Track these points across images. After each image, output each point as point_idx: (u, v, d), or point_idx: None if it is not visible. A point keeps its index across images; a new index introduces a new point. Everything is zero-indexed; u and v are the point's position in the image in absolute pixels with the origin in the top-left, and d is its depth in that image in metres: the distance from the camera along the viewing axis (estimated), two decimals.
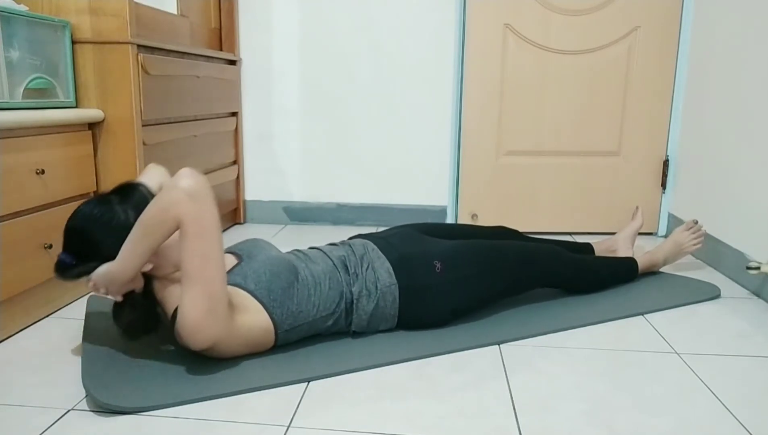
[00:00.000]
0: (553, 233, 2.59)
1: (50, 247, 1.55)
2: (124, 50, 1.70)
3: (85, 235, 1.23)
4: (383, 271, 1.42)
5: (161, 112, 1.89)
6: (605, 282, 1.80)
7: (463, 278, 1.47)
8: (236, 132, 2.62)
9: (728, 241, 2.00)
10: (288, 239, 2.47)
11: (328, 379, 1.26)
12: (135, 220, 1.20)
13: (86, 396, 1.18)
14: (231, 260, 1.37)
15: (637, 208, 2.09)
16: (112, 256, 1.20)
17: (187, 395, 1.16)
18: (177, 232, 1.20)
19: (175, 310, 1.23)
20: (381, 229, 2.64)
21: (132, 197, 1.28)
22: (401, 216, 2.68)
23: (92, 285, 1.23)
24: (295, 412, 1.13)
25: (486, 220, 2.62)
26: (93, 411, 1.13)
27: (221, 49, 2.56)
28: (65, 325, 1.54)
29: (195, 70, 2.13)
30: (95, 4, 1.69)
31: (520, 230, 2.36)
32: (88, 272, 1.23)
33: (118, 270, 1.19)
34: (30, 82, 1.55)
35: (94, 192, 1.74)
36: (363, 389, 1.22)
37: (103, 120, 1.73)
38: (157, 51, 1.88)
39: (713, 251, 2.09)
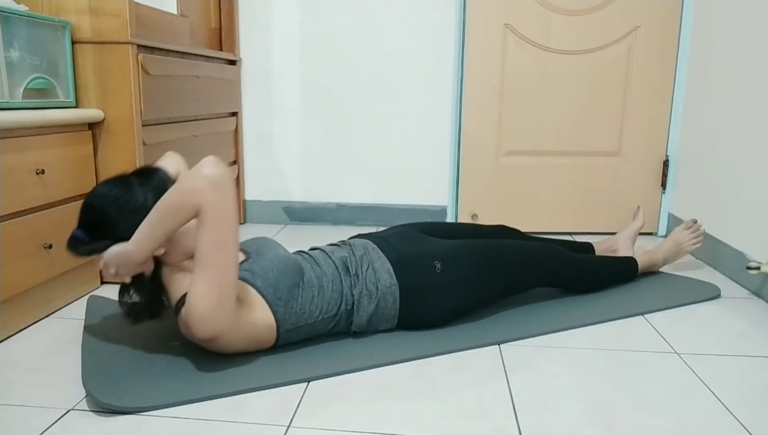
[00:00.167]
0: (553, 233, 2.59)
1: (50, 247, 1.55)
2: (124, 50, 1.70)
3: (102, 214, 1.23)
4: (383, 271, 1.42)
5: (161, 112, 1.89)
6: (605, 281, 1.80)
7: (463, 278, 1.47)
8: (236, 132, 2.62)
9: (728, 241, 2.00)
10: (288, 239, 2.47)
11: (328, 379, 1.26)
12: (153, 203, 1.20)
13: (86, 396, 1.18)
14: (239, 256, 1.38)
15: (638, 208, 2.09)
16: (126, 237, 1.21)
17: (187, 395, 1.16)
18: (192, 221, 1.21)
19: (180, 298, 1.24)
20: (381, 229, 2.64)
21: (152, 181, 1.29)
22: (401, 216, 2.68)
23: (103, 264, 1.24)
24: (295, 412, 1.13)
25: (486, 220, 2.62)
26: (93, 411, 1.13)
27: (221, 49, 2.56)
28: (65, 325, 1.54)
29: (195, 70, 2.13)
30: (95, 4, 1.69)
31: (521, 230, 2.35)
32: (100, 250, 1.23)
33: (132, 251, 1.20)
34: (30, 82, 1.55)
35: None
36: (363, 389, 1.22)
37: (103, 120, 1.73)
38: (157, 51, 1.88)
39: (713, 251, 2.09)
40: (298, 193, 2.73)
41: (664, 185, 2.56)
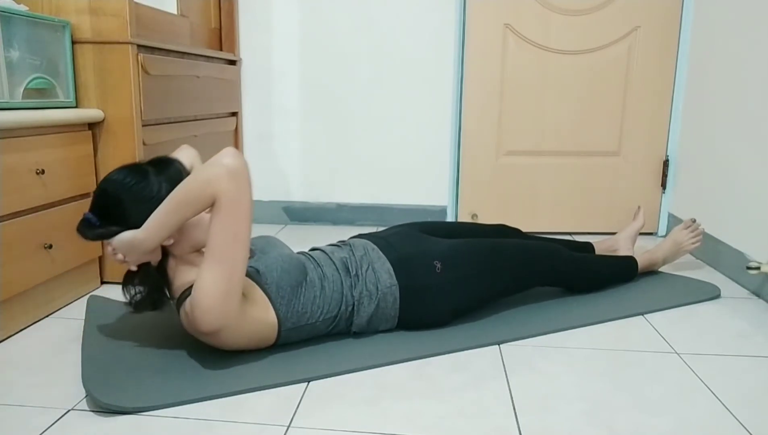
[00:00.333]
0: (553, 233, 2.59)
1: (50, 247, 1.55)
2: (124, 50, 1.70)
3: (116, 200, 1.23)
4: (383, 271, 1.42)
5: (161, 112, 1.89)
6: (605, 280, 1.80)
7: (463, 278, 1.47)
8: (236, 132, 2.62)
9: (728, 241, 2.00)
10: (288, 239, 2.47)
11: (328, 379, 1.26)
12: (167, 194, 1.21)
13: (86, 396, 1.18)
14: None
15: (639, 208, 2.09)
16: (136, 225, 1.21)
17: (187, 395, 1.16)
18: (204, 215, 1.22)
19: (184, 291, 1.24)
20: (381, 229, 2.64)
21: (168, 171, 1.29)
22: (401, 216, 2.68)
23: (111, 250, 1.24)
24: (295, 412, 1.13)
25: (486, 220, 2.61)
26: (93, 411, 1.13)
27: (221, 49, 2.56)
28: (65, 325, 1.54)
29: (195, 70, 2.13)
30: (95, 4, 1.69)
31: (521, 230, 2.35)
32: (109, 236, 1.24)
33: (143, 239, 1.20)
34: (30, 82, 1.55)
35: (94, 192, 1.74)
36: (363, 389, 1.22)
37: (103, 120, 1.73)
38: (157, 51, 1.88)
39: (713, 251, 2.09)
40: (298, 193, 2.73)
41: (664, 185, 2.56)
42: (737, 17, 2.00)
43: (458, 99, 2.57)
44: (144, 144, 1.79)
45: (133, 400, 1.14)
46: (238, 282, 1.18)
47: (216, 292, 1.15)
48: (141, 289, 1.31)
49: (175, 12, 2.18)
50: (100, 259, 1.82)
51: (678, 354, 1.40)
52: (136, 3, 1.81)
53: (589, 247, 1.97)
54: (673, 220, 2.48)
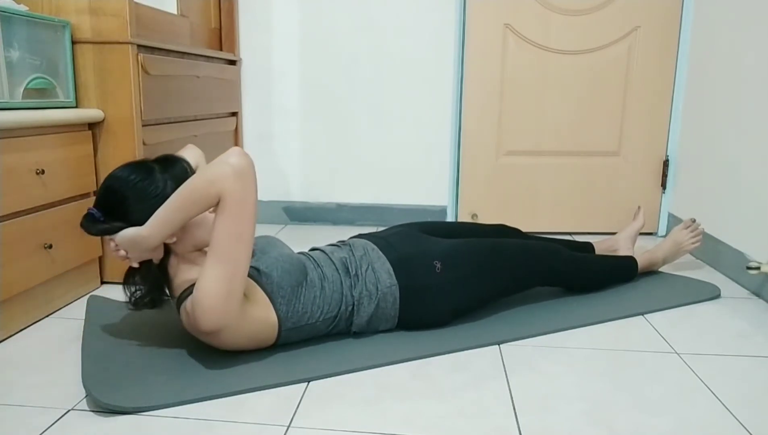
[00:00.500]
0: (553, 233, 2.59)
1: (50, 247, 1.55)
2: (124, 50, 1.70)
3: (120, 196, 1.23)
4: (383, 271, 1.42)
5: (161, 112, 1.89)
6: (605, 280, 1.80)
7: (463, 278, 1.47)
8: (236, 132, 2.62)
9: (728, 241, 2.00)
10: (288, 239, 2.47)
11: (328, 379, 1.26)
12: (172, 192, 1.21)
13: (86, 396, 1.18)
14: None
15: (639, 208, 2.09)
16: (140, 222, 1.21)
17: (187, 395, 1.16)
18: (207, 214, 1.22)
19: (185, 290, 1.24)
20: (381, 229, 2.64)
21: (174, 169, 1.29)
22: (401, 216, 2.68)
23: (114, 246, 1.24)
24: (295, 412, 1.13)
25: (486, 220, 2.61)
26: (93, 411, 1.13)
27: (221, 49, 2.56)
28: (65, 325, 1.54)
29: (195, 70, 2.13)
30: (95, 4, 1.69)
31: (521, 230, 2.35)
32: (113, 232, 1.23)
33: (146, 235, 1.19)
34: (30, 82, 1.55)
35: (94, 192, 1.74)
36: (363, 389, 1.22)
37: (103, 120, 1.73)
38: (157, 51, 1.88)
39: (713, 251, 2.09)
40: (298, 193, 2.73)
41: (664, 185, 2.56)
42: (737, 17, 2.00)
43: (458, 99, 2.57)
44: (144, 144, 1.79)
45: (133, 400, 1.14)
46: (240, 282, 1.17)
47: (218, 291, 1.15)
48: (141, 286, 1.31)
49: (175, 12, 2.18)
50: (100, 259, 1.82)
51: (678, 354, 1.40)
52: (136, 3, 1.81)
53: (589, 247, 1.97)
54: (673, 220, 2.47)
